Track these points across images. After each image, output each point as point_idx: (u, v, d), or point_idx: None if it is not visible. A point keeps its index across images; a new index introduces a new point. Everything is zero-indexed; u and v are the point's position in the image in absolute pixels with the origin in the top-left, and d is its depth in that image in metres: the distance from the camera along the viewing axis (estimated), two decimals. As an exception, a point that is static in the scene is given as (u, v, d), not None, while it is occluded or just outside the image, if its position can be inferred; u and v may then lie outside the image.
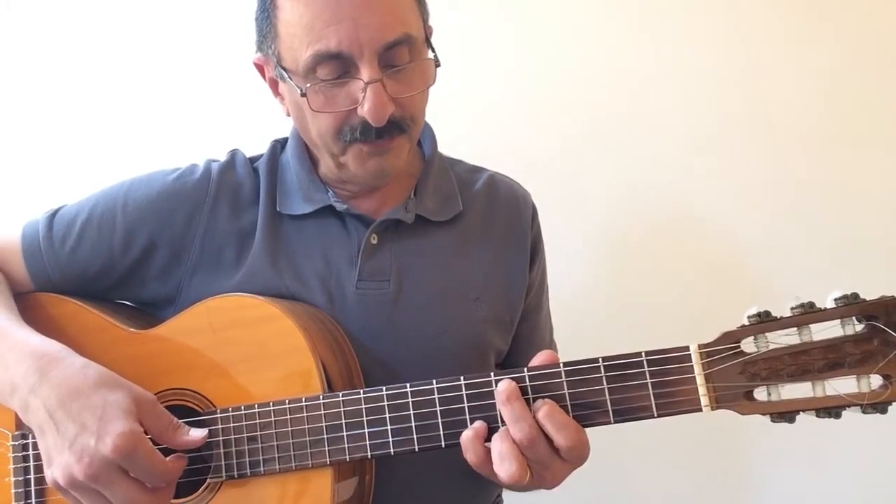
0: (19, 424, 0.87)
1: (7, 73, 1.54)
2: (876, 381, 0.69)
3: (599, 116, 1.39)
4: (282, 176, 1.00)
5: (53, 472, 0.76)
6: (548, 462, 0.75)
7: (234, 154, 1.02)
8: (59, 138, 1.52)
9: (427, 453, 0.79)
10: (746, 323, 0.72)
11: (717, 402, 0.72)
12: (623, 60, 1.39)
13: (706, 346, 0.73)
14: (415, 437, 0.79)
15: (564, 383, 0.76)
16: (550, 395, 0.76)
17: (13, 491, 0.88)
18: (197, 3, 1.50)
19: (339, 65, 0.85)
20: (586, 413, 0.75)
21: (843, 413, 0.70)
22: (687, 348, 0.73)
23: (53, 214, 0.98)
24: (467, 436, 0.77)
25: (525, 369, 0.77)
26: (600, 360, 0.75)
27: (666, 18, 1.38)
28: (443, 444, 0.78)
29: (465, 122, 1.37)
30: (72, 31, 1.52)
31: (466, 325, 0.96)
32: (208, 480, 0.84)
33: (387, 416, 0.80)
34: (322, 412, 0.81)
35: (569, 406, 0.75)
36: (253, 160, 1.03)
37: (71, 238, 0.95)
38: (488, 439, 0.77)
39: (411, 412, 0.79)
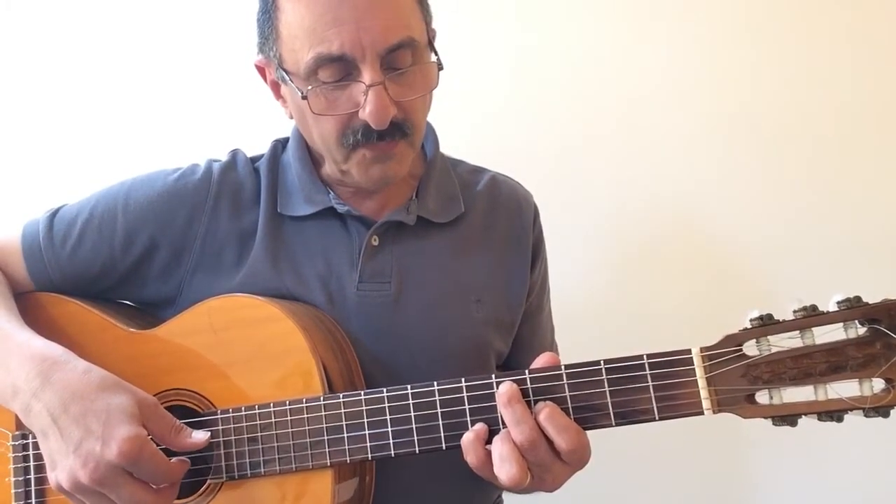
0: (19, 424, 0.87)
1: (7, 73, 1.54)
2: (878, 384, 0.68)
3: (602, 119, 1.39)
4: (283, 176, 1.00)
5: (58, 477, 0.76)
6: (549, 465, 0.75)
7: (235, 154, 1.02)
8: (59, 138, 1.52)
9: (427, 455, 0.79)
10: (748, 326, 0.72)
11: (719, 406, 0.72)
12: (628, 63, 1.39)
13: (708, 348, 0.73)
14: (415, 438, 0.79)
15: (566, 386, 0.76)
16: (552, 398, 0.76)
17: (13, 491, 0.88)
18: (198, 2, 1.50)
19: (340, 67, 0.84)
20: (588, 415, 0.75)
21: (846, 417, 0.69)
22: (689, 351, 0.73)
23: (54, 214, 0.98)
24: (468, 438, 0.77)
25: (526, 371, 0.77)
26: (602, 362, 0.75)
27: (673, 22, 1.37)
28: (443, 445, 0.78)
29: (469, 123, 1.37)
30: (72, 30, 1.52)
31: (467, 326, 0.96)
32: (208, 481, 0.84)
33: (387, 417, 0.80)
34: (323, 413, 0.81)
35: (570, 408, 0.75)
36: (254, 160, 1.02)
37: (71, 238, 0.95)
38: (489, 441, 0.76)
39: (412, 414, 0.79)
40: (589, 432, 0.76)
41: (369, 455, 0.80)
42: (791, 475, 1.34)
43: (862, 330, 0.69)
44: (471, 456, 0.76)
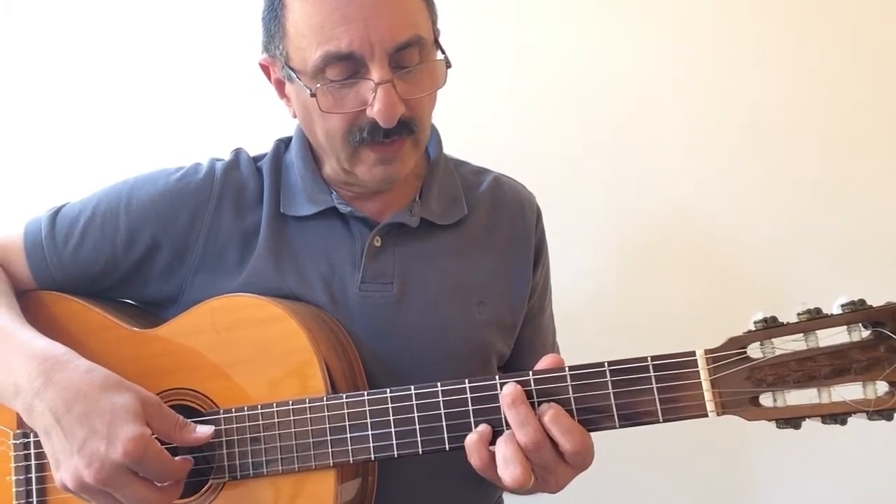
0: (20, 423, 0.87)
1: (8, 73, 1.53)
2: (882, 387, 0.69)
3: (604, 119, 1.39)
4: (285, 176, 0.99)
5: (62, 476, 0.76)
6: (552, 466, 0.75)
7: (237, 153, 1.02)
8: (61, 138, 1.52)
9: (430, 456, 0.79)
10: (753, 328, 0.72)
11: (723, 408, 0.72)
12: (629, 64, 1.39)
13: (712, 351, 0.73)
14: (419, 439, 0.79)
15: (570, 387, 0.76)
16: (556, 399, 0.76)
17: (14, 490, 0.88)
18: (199, 1, 1.50)
19: (349, 65, 0.84)
20: (592, 417, 0.75)
21: (849, 420, 0.69)
22: (693, 353, 0.73)
23: (56, 213, 0.97)
24: (472, 439, 0.76)
25: (530, 373, 0.77)
26: (606, 364, 0.75)
27: (675, 23, 1.38)
28: (447, 447, 0.78)
29: (470, 124, 1.37)
30: (73, 30, 1.52)
31: (469, 328, 0.96)
32: (211, 481, 0.84)
33: (391, 418, 0.80)
34: (325, 413, 0.81)
35: (574, 410, 0.75)
36: (256, 159, 1.02)
37: (74, 237, 0.95)
38: (492, 443, 0.76)
39: (415, 415, 0.79)
40: (592, 433, 0.76)
41: (372, 455, 0.80)
42: (794, 478, 1.34)
43: (866, 333, 0.69)
44: (474, 457, 0.76)
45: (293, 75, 0.88)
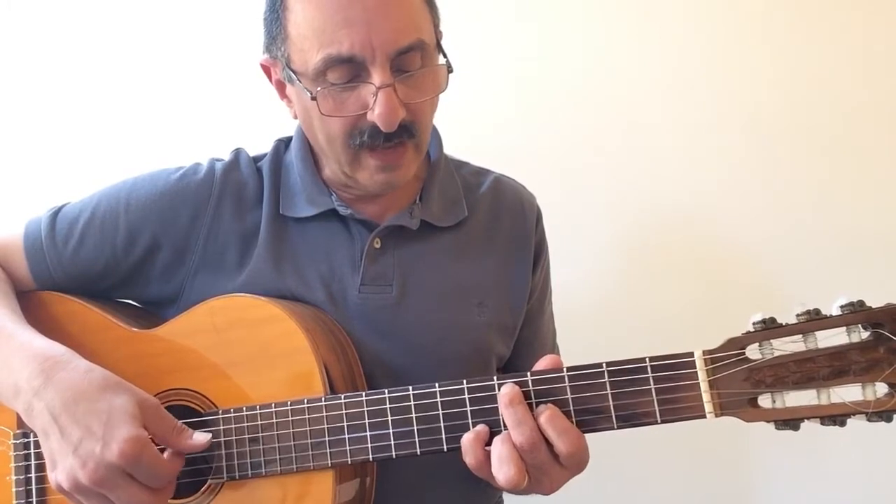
0: (20, 423, 0.87)
1: (8, 73, 1.53)
2: (881, 388, 0.68)
3: (606, 122, 1.39)
4: (285, 177, 0.99)
5: (57, 476, 0.76)
6: (547, 467, 0.75)
7: (237, 153, 1.02)
8: (61, 137, 1.52)
9: (428, 456, 0.79)
10: (751, 329, 0.72)
11: (722, 409, 0.72)
12: (631, 66, 1.39)
13: (711, 352, 0.72)
14: (417, 440, 0.79)
15: (568, 388, 0.76)
16: (553, 400, 0.76)
17: (14, 489, 0.88)
18: (199, 1, 1.50)
19: (350, 69, 0.84)
20: (589, 418, 0.75)
21: (848, 421, 0.69)
22: (691, 354, 0.73)
23: (56, 213, 0.98)
24: (468, 438, 0.77)
25: (528, 373, 0.77)
26: (604, 365, 0.75)
27: (676, 24, 1.37)
28: (445, 447, 0.78)
29: (471, 125, 1.36)
30: (73, 29, 1.52)
31: (469, 330, 0.96)
32: (209, 481, 0.84)
33: (389, 418, 0.80)
34: (324, 414, 0.81)
35: (572, 411, 0.75)
36: (256, 159, 1.02)
37: (73, 237, 0.95)
38: (489, 443, 0.76)
39: (413, 415, 0.79)
40: (588, 434, 0.75)
41: (370, 456, 0.80)
42: (793, 479, 1.34)
43: (865, 334, 0.69)
44: (469, 456, 0.76)
45: (294, 77, 0.87)
